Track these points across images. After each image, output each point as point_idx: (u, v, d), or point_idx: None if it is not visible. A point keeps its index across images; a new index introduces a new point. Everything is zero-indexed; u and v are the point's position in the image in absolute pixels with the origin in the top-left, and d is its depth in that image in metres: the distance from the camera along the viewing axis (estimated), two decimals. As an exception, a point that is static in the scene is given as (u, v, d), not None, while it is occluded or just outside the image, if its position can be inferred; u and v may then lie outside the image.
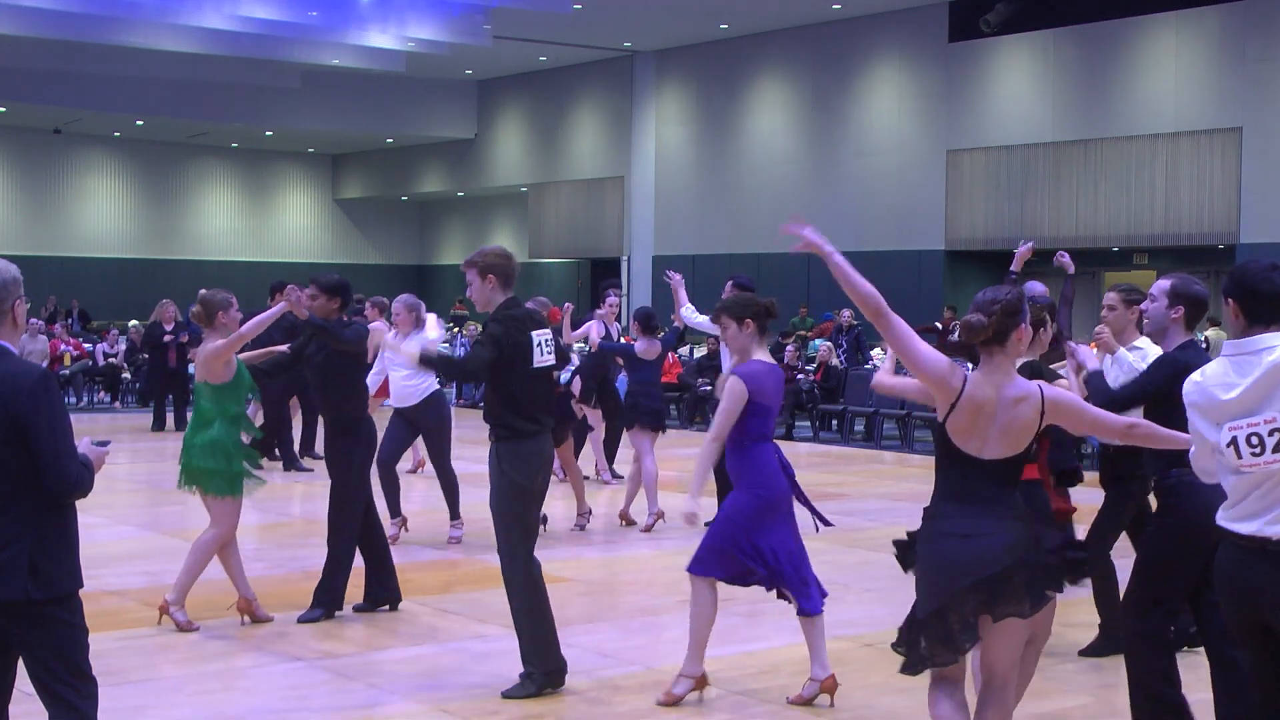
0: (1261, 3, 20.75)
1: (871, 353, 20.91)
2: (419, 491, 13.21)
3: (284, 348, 8.50)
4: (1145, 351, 6.60)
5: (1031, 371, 6.56)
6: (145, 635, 7.60)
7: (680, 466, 15.30)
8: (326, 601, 7.90)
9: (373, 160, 37.82)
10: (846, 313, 22.22)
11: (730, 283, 12.25)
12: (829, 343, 20.86)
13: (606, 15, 26.06)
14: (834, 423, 19.85)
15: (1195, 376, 4.35)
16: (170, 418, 18.20)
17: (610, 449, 14.33)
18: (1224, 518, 4.27)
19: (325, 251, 37.89)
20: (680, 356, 21.36)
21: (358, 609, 8.09)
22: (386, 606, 8.17)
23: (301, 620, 7.78)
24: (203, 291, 7.85)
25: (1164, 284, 6.09)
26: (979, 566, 4.50)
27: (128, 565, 9.60)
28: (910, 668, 4.65)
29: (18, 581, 4.17)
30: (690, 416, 20.22)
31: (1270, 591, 4.13)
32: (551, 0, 24.25)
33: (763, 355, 6.40)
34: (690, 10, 25.64)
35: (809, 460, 16.78)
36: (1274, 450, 4.13)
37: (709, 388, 15.99)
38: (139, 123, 32.73)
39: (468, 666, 7.01)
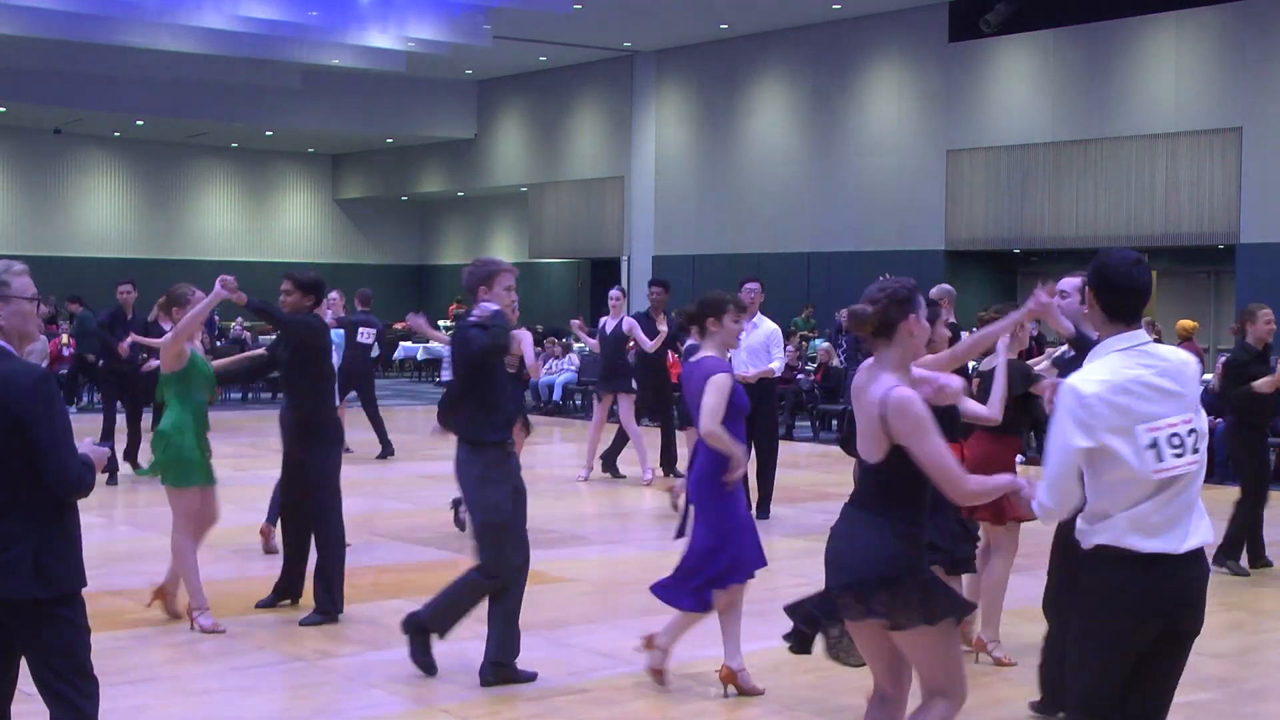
0: (1261, 3, 20.73)
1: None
2: (418, 491, 13.21)
3: (260, 350, 8.61)
4: None
5: (1014, 371, 6.63)
6: (145, 635, 7.61)
7: (682, 466, 15.29)
8: (328, 607, 7.91)
9: (373, 160, 37.81)
10: (844, 313, 22.21)
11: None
12: (828, 343, 20.87)
13: (606, 15, 26.05)
14: (834, 423, 19.85)
15: (1098, 378, 4.01)
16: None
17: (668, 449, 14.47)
18: (1115, 535, 3.98)
19: (325, 251, 37.87)
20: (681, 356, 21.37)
21: (260, 605, 8.16)
22: (288, 601, 8.23)
23: (304, 623, 7.79)
24: (173, 286, 8.06)
25: (1075, 281, 6.17)
26: (841, 572, 4.38)
27: (128, 565, 9.61)
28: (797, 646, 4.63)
29: (22, 580, 4.18)
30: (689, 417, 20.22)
31: (1173, 600, 3.98)
32: (551, 0, 24.25)
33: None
34: (690, 10, 25.63)
35: (809, 460, 16.78)
36: (1192, 451, 3.99)
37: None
38: (139, 123, 32.72)
39: (468, 666, 7.01)
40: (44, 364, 19.30)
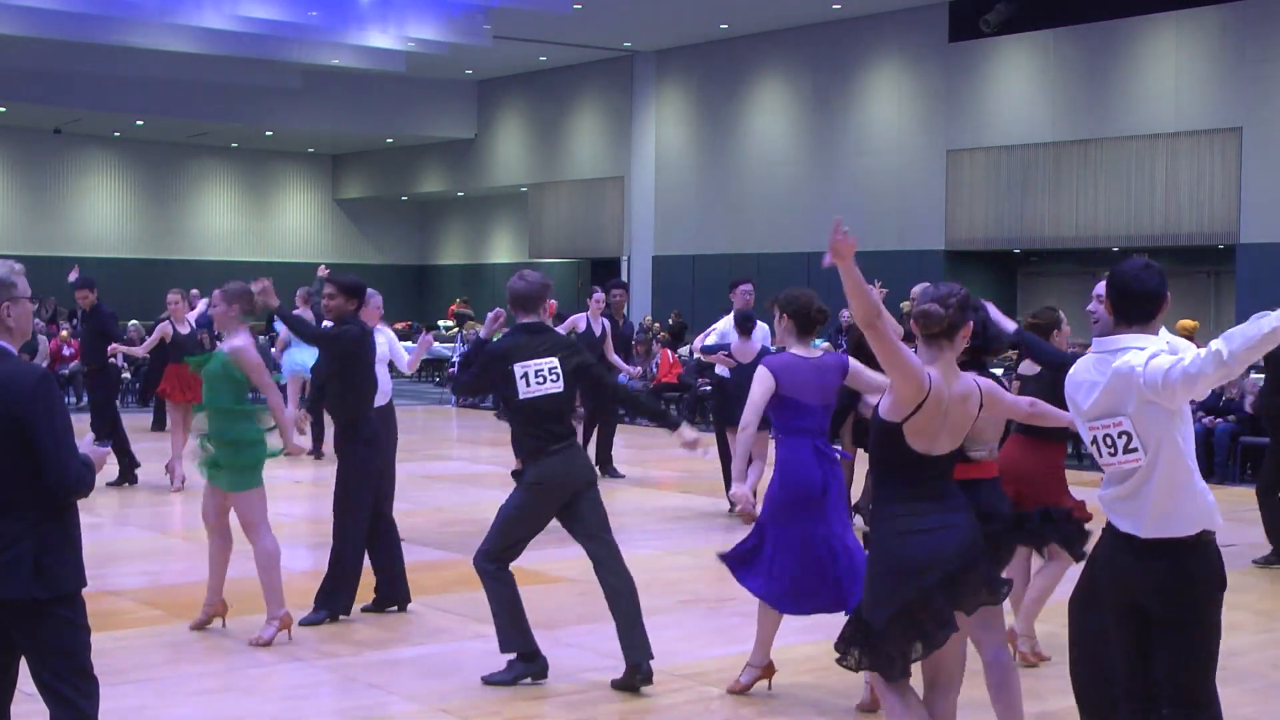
0: (1261, 3, 20.74)
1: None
2: (417, 491, 13.20)
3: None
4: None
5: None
6: (145, 635, 7.60)
7: (682, 466, 15.30)
8: (331, 605, 7.88)
9: (373, 160, 37.81)
10: (846, 313, 22.22)
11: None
12: (828, 343, 20.87)
13: (606, 15, 26.05)
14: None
15: (1071, 373, 4.46)
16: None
17: (604, 448, 14.30)
18: (1104, 507, 4.42)
19: (325, 251, 37.86)
20: (680, 357, 21.38)
21: (365, 609, 8.09)
22: (395, 608, 8.16)
23: (303, 623, 7.76)
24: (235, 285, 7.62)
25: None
26: (944, 561, 4.53)
27: (128, 565, 9.60)
28: (890, 673, 4.63)
29: (22, 581, 4.17)
30: (690, 416, 20.22)
31: (1142, 580, 4.27)
32: (551, 0, 24.25)
33: (799, 349, 6.52)
34: (690, 10, 25.64)
35: (809, 460, 16.76)
36: (1125, 452, 4.25)
37: (709, 388, 15.98)
38: (139, 123, 32.72)
39: (468, 666, 7.01)
40: (44, 364, 19.30)
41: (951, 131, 24.43)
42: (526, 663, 6.67)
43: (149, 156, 35.80)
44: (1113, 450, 4.26)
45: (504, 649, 6.68)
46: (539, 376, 6.56)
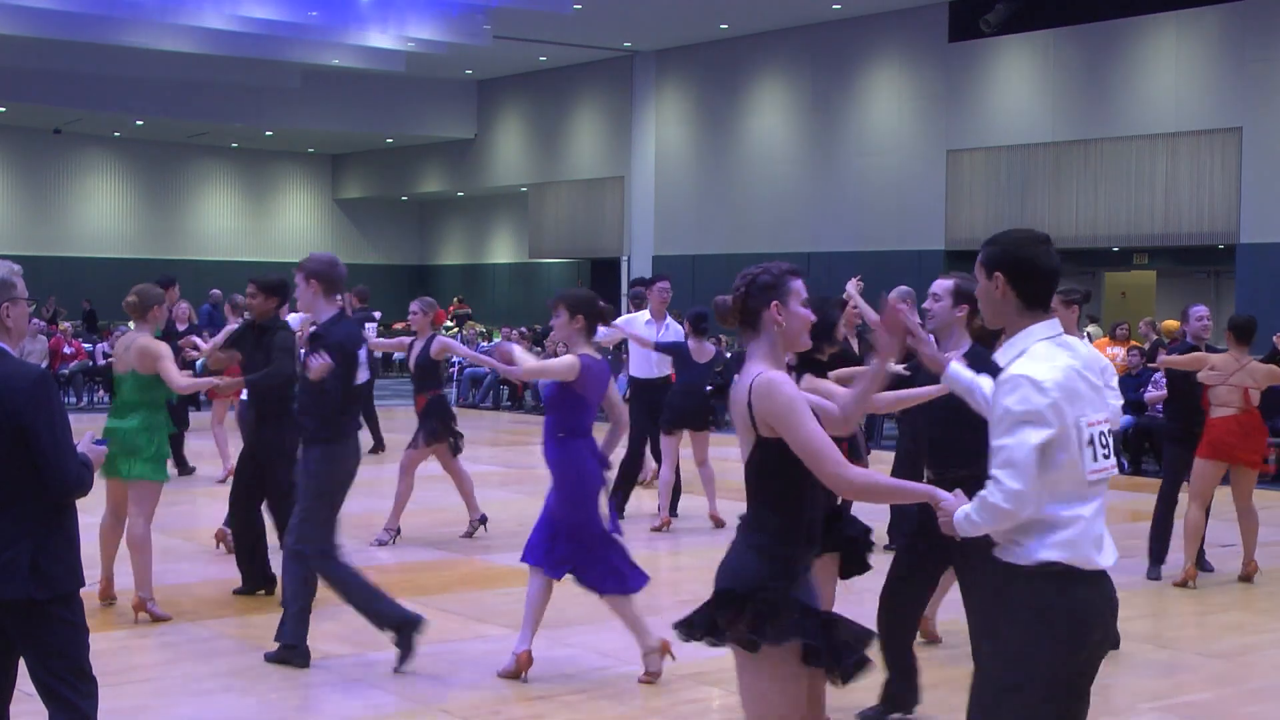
0: (1261, 3, 20.73)
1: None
2: (417, 491, 13.18)
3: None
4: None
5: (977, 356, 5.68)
6: (145, 635, 7.61)
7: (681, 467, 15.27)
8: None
9: (373, 160, 37.81)
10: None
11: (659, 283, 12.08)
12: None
13: (606, 15, 26.05)
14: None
15: (1048, 364, 3.60)
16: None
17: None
18: (1076, 555, 3.58)
19: (325, 251, 37.87)
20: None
21: (237, 592, 8.46)
22: (262, 591, 8.45)
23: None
24: (140, 286, 8.04)
25: (947, 283, 5.92)
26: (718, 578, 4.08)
27: (128, 565, 9.60)
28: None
29: (19, 581, 4.18)
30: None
31: (1107, 617, 3.69)
32: (551, 0, 24.25)
33: (589, 350, 6.70)
34: (690, 10, 25.63)
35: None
36: (1113, 453, 3.69)
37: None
38: (139, 123, 32.72)
39: (468, 666, 7.01)
40: (44, 364, 19.30)
41: (951, 131, 24.42)
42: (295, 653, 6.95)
43: (149, 156, 35.80)
44: (1106, 451, 3.62)
45: (288, 638, 6.92)
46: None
